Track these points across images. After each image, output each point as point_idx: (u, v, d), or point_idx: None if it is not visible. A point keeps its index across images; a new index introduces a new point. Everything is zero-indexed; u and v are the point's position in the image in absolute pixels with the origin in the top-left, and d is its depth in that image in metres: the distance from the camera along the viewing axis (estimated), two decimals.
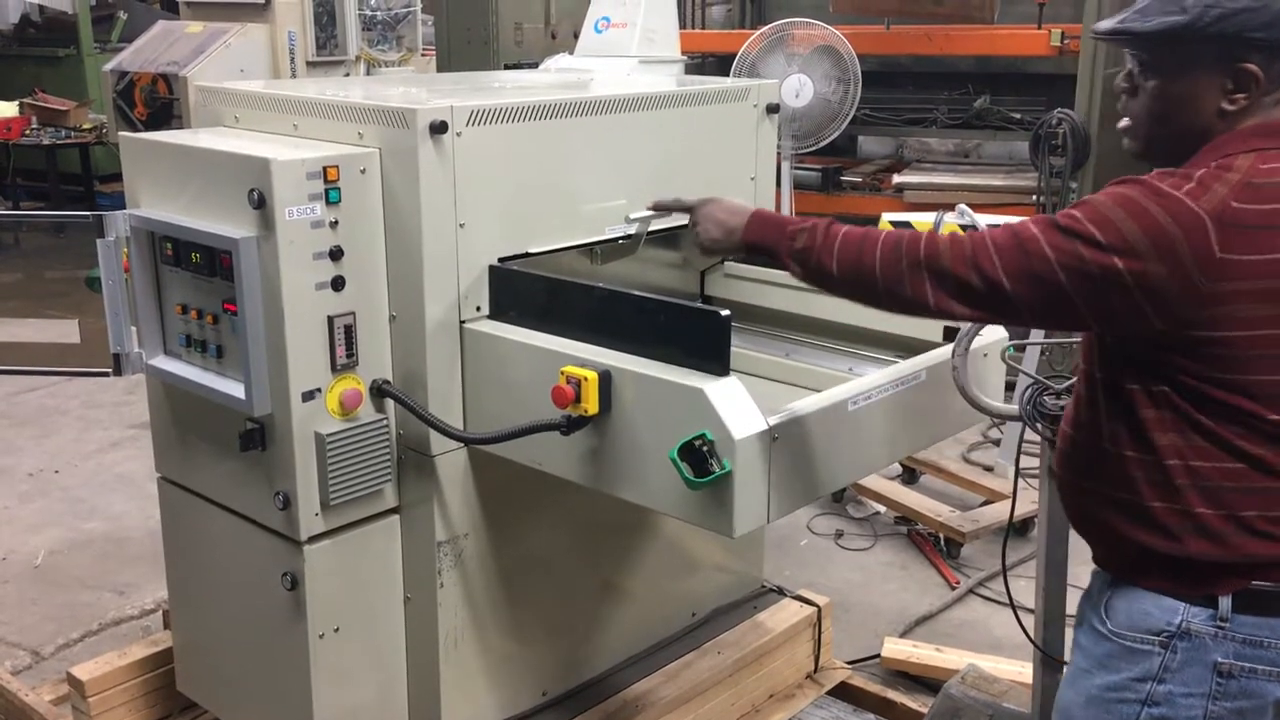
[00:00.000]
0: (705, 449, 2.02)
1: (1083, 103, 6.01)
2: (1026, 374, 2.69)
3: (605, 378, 2.18)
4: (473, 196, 2.43)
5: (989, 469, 5.12)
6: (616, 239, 2.73)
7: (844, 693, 3.40)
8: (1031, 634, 2.65)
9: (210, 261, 2.43)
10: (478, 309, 2.48)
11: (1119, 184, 1.78)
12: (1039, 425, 2.45)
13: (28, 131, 9.86)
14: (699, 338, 2.14)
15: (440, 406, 2.46)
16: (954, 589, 4.27)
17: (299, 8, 5.86)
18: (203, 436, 2.67)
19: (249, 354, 2.36)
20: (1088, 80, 5.99)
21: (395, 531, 2.62)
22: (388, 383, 2.49)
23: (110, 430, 5.80)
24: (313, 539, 2.48)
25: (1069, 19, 6.38)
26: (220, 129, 2.76)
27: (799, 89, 5.90)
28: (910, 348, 2.67)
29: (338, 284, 2.37)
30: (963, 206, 3.30)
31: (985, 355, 2.64)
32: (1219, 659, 1.83)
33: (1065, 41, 6.14)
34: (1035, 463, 2.70)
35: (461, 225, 2.42)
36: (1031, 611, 2.68)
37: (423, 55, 6.81)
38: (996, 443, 5.34)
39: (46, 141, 9.79)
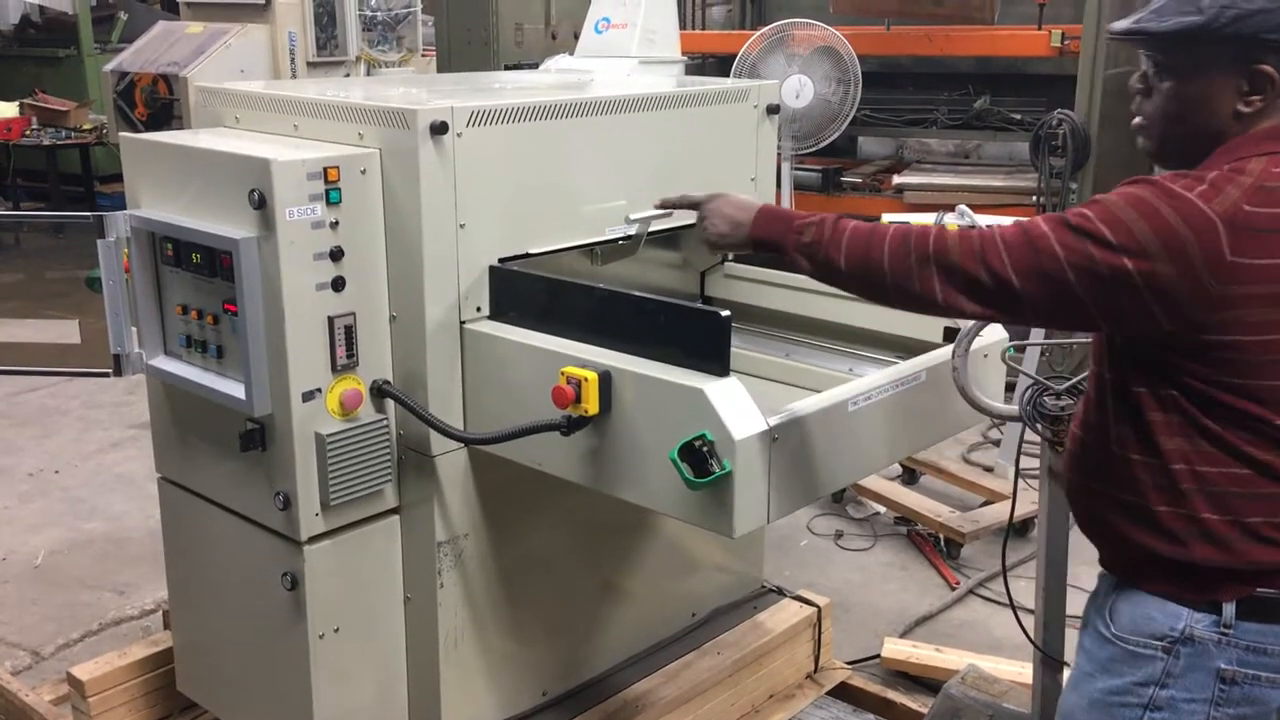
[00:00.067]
0: (705, 449, 2.02)
1: (1083, 103, 6.01)
2: (1026, 374, 2.69)
3: (605, 378, 2.18)
4: (473, 197, 2.43)
5: (989, 469, 5.12)
6: (617, 239, 2.73)
7: (844, 693, 3.40)
8: (1031, 634, 2.65)
9: (211, 262, 2.44)
10: (478, 309, 2.49)
11: (1131, 184, 1.76)
12: (1039, 426, 2.45)
13: (28, 132, 9.86)
14: (699, 338, 2.14)
15: (440, 407, 2.46)
16: (954, 589, 4.27)
17: (299, 8, 5.87)
18: (203, 437, 2.68)
19: (249, 354, 2.36)
20: (1088, 81, 5.99)
21: (395, 532, 2.62)
22: (388, 383, 2.49)
23: (110, 430, 5.80)
24: (313, 539, 2.48)
25: (1069, 20, 6.38)
26: (221, 129, 2.76)
27: (799, 90, 5.90)
28: (910, 348, 2.67)
29: (338, 284, 2.38)
30: (963, 207, 3.30)
31: (985, 356, 2.64)
32: (1222, 665, 1.83)
33: (1065, 42, 6.13)
34: (1035, 463, 2.70)
35: (462, 226, 2.42)
36: (1031, 612, 2.68)
37: (423, 56, 6.81)
38: (996, 443, 5.34)
39: (47, 142, 9.79)
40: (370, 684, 2.66)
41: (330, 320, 2.38)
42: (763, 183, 3.09)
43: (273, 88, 3.00)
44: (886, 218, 5.28)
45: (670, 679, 3.04)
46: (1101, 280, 1.71)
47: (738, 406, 2.05)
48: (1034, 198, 6.24)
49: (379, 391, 2.48)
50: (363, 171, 2.38)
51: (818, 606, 3.39)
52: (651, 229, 2.73)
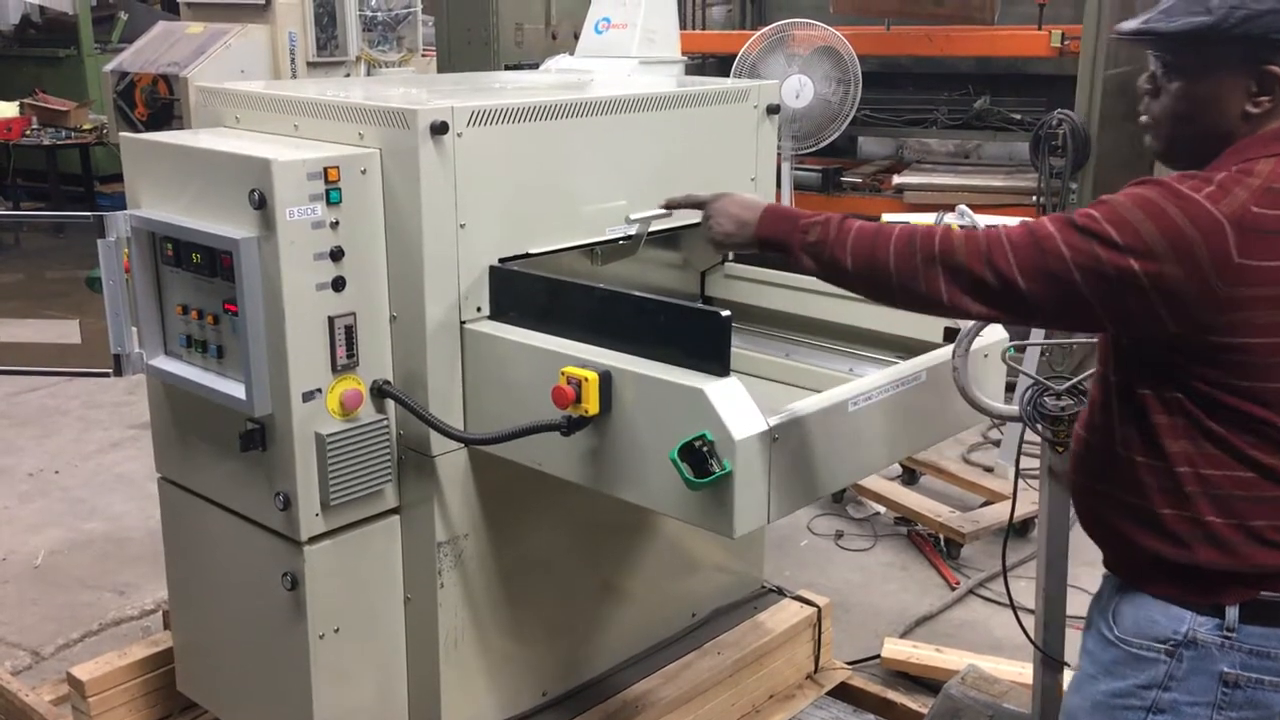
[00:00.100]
0: (705, 449, 2.02)
1: (1083, 103, 6.01)
2: (1027, 375, 2.69)
3: (605, 378, 2.18)
4: (473, 197, 2.43)
5: (989, 470, 5.12)
6: (617, 239, 2.73)
7: (844, 693, 3.40)
8: (1032, 634, 2.65)
9: (211, 262, 2.44)
10: (478, 309, 2.49)
11: (1138, 184, 1.76)
12: (1039, 426, 2.45)
13: (28, 132, 9.86)
14: (699, 338, 2.14)
15: (440, 407, 2.46)
16: (954, 589, 4.27)
17: (299, 8, 5.87)
18: (203, 437, 2.68)
19: (249, 354, 2.36)
20: (1088, 81, 5.99)
21: (395, 532, 2.62)
22: (388, 383, 2.49)
23: (110, 430, 5.80)
24: (313, 539, 2.48)
25: (1069, 20, 6.38)
26: (221, 129, 2.76)
27: (799, 90, 5.90)
28: (910, 348, 2.67)
29: (338, 284, 2.38)
30: (963, 207, 3.30)
31: (985, 356, 2.64)
32: (1225, 669, 1.82)
33: (1065, 42, 6.13)
34: (1035, 464, 2.70)
35: (462, 226, 2.42)
36: (1032, 612, 2.68)
37: (423, 56, 6.82)
38: (996, 443, 5.34)
39: (47, 142, 9.79)
40: (370, 684, 2.66)
41: (330, 320, 2.38)
42: (763, 183, 3.09)
43: (273, 88, 3.00)
44: (887, 218, 5.28)
45: (670, 679, 3.04)
46: (1108, 281, 1.71)
47: (738, 406, 2.05)
48: (1034, 198, 6.24)
49: (379, 391, 2.48)
50: (363, 171, 2.38)
51: (818, 607, 3.39)
52: (652, 229, 2.73)
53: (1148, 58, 1.89)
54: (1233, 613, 1.81)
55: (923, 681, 3.61)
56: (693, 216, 2.63)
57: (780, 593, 3.45)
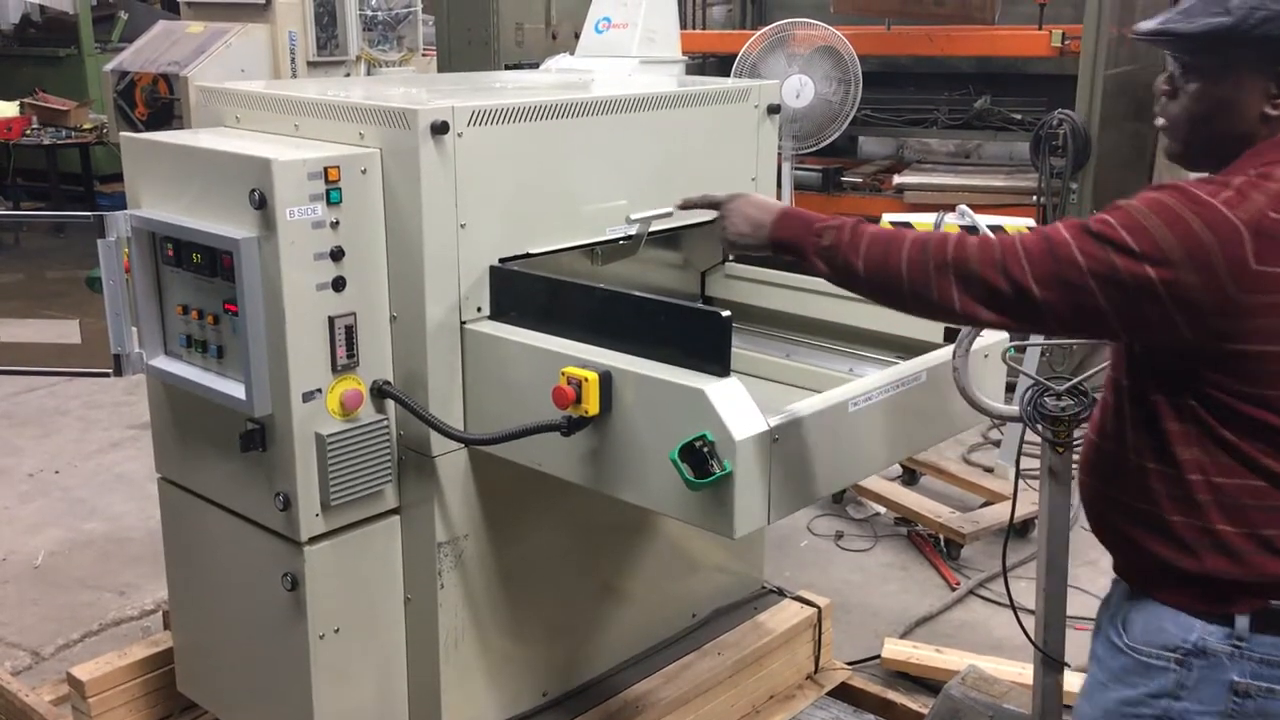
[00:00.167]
0: (706, 450, 2.02)
1: (1083, 103, 6.01)
2: (1027, 375, 2.69)
3: (606, 378, 2.18)
4: (474, 197, 2.43)
5: (989, 470, 5.12)
6: (617, 239, 2.73)
7: (844, 694, 3.40)
8: (1032, 635, 2.65)
9: (211, 262, 2.43)
10: (478, 309, 2.48)
11: (1155, 189, 1.74)
12: (1039, 426, 2.45)
13: (28, 131, 9.85)
14: (700, 338, 2.14)
15: (441, 407, 2.46)
16: (954, 590, 4.27)
17: (300, 8, 5.88)
18: (203, 437, 2.67)
19: (249, 354, 2.36)
20: (1088, 81, 5.99)
21: (396, 532, 2.62)
22: (388, 383, 2.49)
23: (110, 431, 5.80)
24: (313, 540, 2.48)
25: (1070, 20, 6.37)
26: (221, 129, 2.76)
27: (800, 89, 5.90)
28: (910, 348, 2.67)
29: (338, 284, 2.37)
30: (963, 207, 3.31)
31: (986, 356, 2.64)
32: (1236, 678, 1.80)
33: (1066, 42, 6.13)
34: (1036, 464, 2.70)
35: (462, 226, 2.42)
36: (1032, 612, 2.68)
37: (423, 55, 6.83)
38: (997, 444, 5.34)
39: (47, 141, 9.79)
40: (370, 684, 2.66)
41: (331, 320, 2.38)
42: (763, 182, 3.09)
43: (273, 87, 3.00)
44: (887, 218, 5.29)
45: (670, 680, 3.04)
46: (1124, 289, 1.69)
47: (738, 407, 2.05)
48: (1034, 198, 6.24)
49: (379, 392, 2.48)
50: (363, 171, 2.38)
51: (818, 607, 3.39)
52: (652, 229, 2.73)
53: (1164, 58, 1.87)
54: (1243, 622, 1.80)
55: (923, 682, 3.61)
56: (693, 217, 2.63)
57: (780, 593, 3.45)
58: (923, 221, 4.79)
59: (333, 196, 2.33)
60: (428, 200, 2.36)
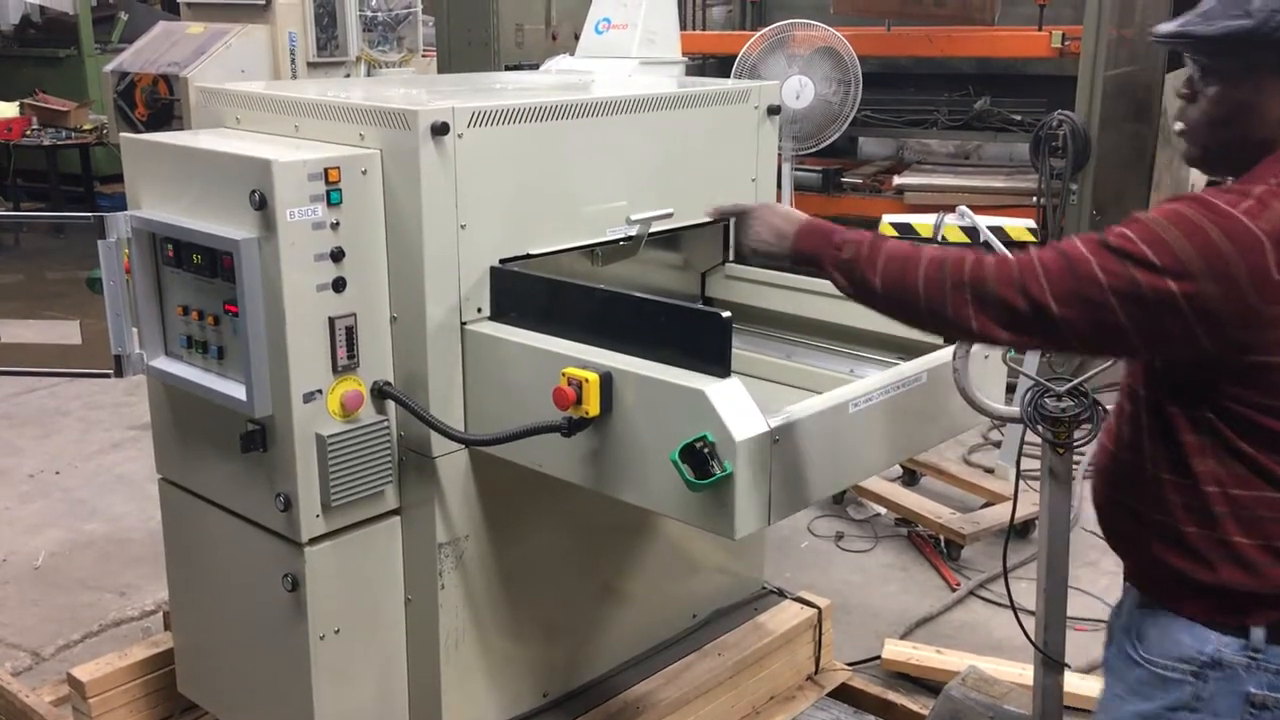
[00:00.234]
0: (706, 451, 2.02)
1: (1083, 104, 6.01)
2: (1027, 376, 2.69)
3: (606, 379, 2.18)
4: (474, 198, 2.43)
5: (990, 471, 5.12)
6: (617, 240, 2.73)
7: (844, 694, 3.40)
8: (1032, 636, 2.65)
9: (211, 263, 2.43)
10: (479, 310, 2.48)
11: (1174, 200, 1.71)
12: (1040, 427, 2.45)
13: (28, 132, 9.86)
14: (700, 339, 2.14)
15: (441, 408, 2.46)
16: (954, 591, 4.27)
17: (300, 9, 5.88)
18: (204, 438, 2.67)
19: (250, 355, 2.36)
20: (1088, 82, 5.99)
21: (396, 533, 2.62)
22: (389, 384, 2.49)
23: (111, 431, 5.80)
24: (314, 540, 2.48)
25: (1070, 20, 6.38)
26: (221, 130, 2.76)
27: (799, 90, 5.90)
28: (911, 349, 2.67)
29: (339, 285, 2.37)
30: (963, 208, 3.31)
31: (986, 357, 2.64)
32: (1252, 690, 1.79)
33: (1066, 43, 6.13)
34: (1036, 465, 2.70)
35: (463, 226, 2.42)
36: (1032, 613, 2.68)
37: (423, 56, 6.82)
38: (997, 445, 5.34)
39: (47, 142, 9.79)
40: (371, 685, 2.66)
41: (331, 321, 2.38)
42: (763, 183, 3.09)
43: (273, 88, 3.00)
44: (887, 219, 5.29)
45: (671, 680, 3.04)
46: (1146, 305, 1.66)
47: (739, 408, 2.05)
48: (1034, 198, 6.24)
49: (380, 392, 2.48)
50: (364, 172, 2.38)
51: (818, 608, 3.39)
52: (652, 230, 2.73)
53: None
54: (1258, 633, 1.78)
55: (923, 683, 3.61)
56: (693, 217, 2.63)
57: (781, 594, 3.45)
58: (922, 223, 4.80)
59: (333, 197, 2.33)
60: (428, 201, 2.36)
